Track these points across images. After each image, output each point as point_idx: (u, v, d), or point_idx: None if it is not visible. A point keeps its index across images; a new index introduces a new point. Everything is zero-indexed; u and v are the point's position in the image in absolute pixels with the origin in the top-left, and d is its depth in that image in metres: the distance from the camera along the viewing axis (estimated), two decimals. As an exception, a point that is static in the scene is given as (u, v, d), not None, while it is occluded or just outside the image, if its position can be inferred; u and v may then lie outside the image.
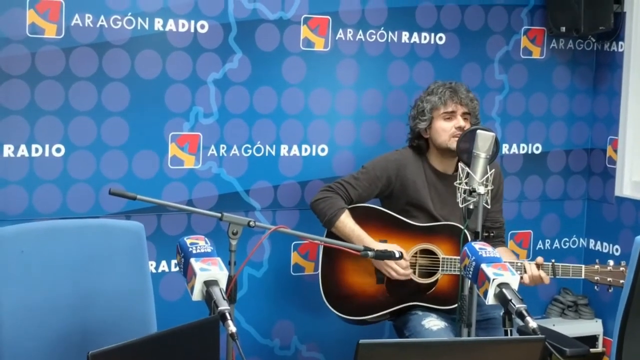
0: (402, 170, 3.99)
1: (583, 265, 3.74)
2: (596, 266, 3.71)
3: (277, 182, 4.36)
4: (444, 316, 3.87)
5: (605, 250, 4.99)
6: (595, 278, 3.70)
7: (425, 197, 3.96)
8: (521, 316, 2.61)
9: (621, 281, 3.59)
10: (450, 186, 3.77)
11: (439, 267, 3.86)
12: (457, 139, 3.85)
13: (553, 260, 3.74)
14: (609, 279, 3.67)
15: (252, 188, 4.31)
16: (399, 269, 3.83)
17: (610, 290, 3.66)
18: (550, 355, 2.91)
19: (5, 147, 3.81)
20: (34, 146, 3.86)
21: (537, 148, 4.94)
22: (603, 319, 4.98)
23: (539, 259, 3.75)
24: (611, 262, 3.70)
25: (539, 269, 3.72)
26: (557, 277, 3.75)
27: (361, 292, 3.95)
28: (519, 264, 3.74)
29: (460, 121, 3.95)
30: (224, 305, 2.49)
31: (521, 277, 3.70)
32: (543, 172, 4.97)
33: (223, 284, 2.60)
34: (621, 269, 3.66)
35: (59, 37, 3.85)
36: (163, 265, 4.15)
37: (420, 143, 4.05)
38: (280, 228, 3.26)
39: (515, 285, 2.70)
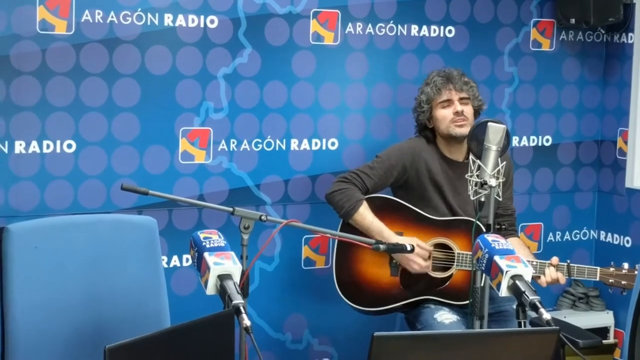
0: (416, 158, 3.99)
1: (598, 268, 3.73)
2: (611, 269, 3.71)
3: (287, 176, 4.36)
4: (457, 310, 3.87)
5: (616, 242, 4.99)
6: (610, 280, 3.70)
7: (442, 184, 3.97)
8: (535, 308, 2.62)
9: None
10: (461, 174, 3.77)
11: (454, 261, 3.86)
12: (457, 124, 3.89)
13: (568, 261, 3.74)
14: (623, 282, 3.67)
15: (263, 182, 4.31)
16: (421, 262, 3.83)
17: (623, 293, 3.66)
18: (563, 347, 2.92)
19: (17, 143, 3.81)
20: (45, 142, 3.87)
21: (547, 140, 4.94)
22: (614, 310, 4.97)
23: (555, 260, 3.74)
24: (626, 265, 3.70)
25: (555, 270, 3.72)
26: (572, 277, 3.75)
27: (375, 284, 3.95)
28: (538, 265, 3.73)
29: (457, 106, 3.97)
30: (238, 299, 2.50)
31: (538, 277, 3.70)
32: (553, 164, 4.97)
33: (237, 277, 2.61)
34: (636, 272, 3.65)
35: (69, 33, 3.86)
36: (175, 260, 4.16)
37: (427, 134, 4.06)
38: (292, 222, 3.26)
39: (528, 277, 2.71)
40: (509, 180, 4.08)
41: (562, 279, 3.74)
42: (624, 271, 3.67)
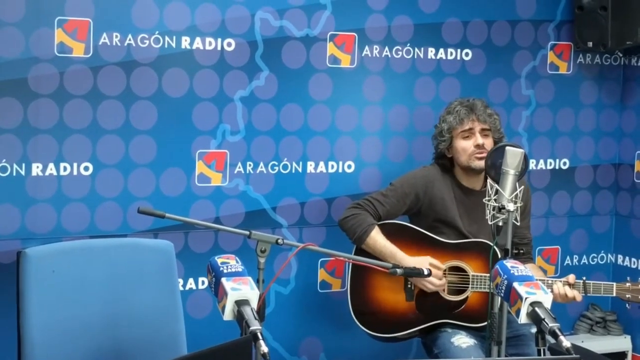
0: (430, 187, 3.98)
1: (614, 283, 3.71)
2: (627, 284, 3.69)
3: (303, 199, 4.35)
4: (474, 333, 3.85)
5: (634, 266, 4.96)
6: (627, 296, 3.68)
7: (454, 214, 3.96)
8: (554, 335, 2.60)
9: None
10: (478, 202, 3.76)
11: (468, 284, 3.85)
12: (477, 157, 3.88)
13: (584, 278, 3.72)
14: None
15: (279, 205, 4.30)
16: (435, 281, 3.82)
17: None
18: (581, 374, 2.89)
19: (34, 165, 3.82)
20: (62, 165, 3.87)
21: (565, 163, 4.92)
22: (632, 335, 4.93)
23: (571, 278, 3.73)
24: None
25: (571, 288, 3.70)
26: (588, 294, 3.73)
27: (390, 309, 3.93)
28: (549, 282, 3.72)
29: (478, 139, 3.94)
30: (255, 325, 2.49)
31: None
32: (570, 188, 4.95)
33: (254, 303, 2.60)
34: None
35: (87, 56, 3.86)
36: (190, 283, 4.15)
37: (445, 162, 4.05)
38: (308, 246, 3.25)
39: (548, 304, 2.69)
40: (527, 209, 4.06)
41: (579, 297, 3.72)
42: None
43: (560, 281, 3.73)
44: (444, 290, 3.86)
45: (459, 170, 4.02)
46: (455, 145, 3.98)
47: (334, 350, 4.49)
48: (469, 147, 3.94)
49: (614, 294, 3.70)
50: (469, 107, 3.99)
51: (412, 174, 4.08)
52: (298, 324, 4.41)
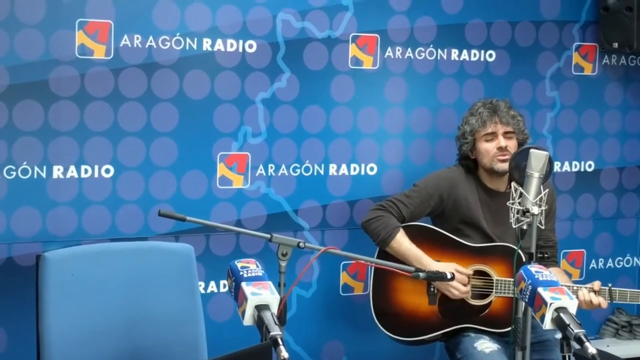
0: (454, 188, 3.94)
1: None
2: None
3: (325, 201, 4.33)
4: (497, 338, 3.81)
5: (660, 269, 4.92)
6: None
7: (479, 216, 3.91)
8: (580, 342, 2.56)
9: None
10: (503, 204, 3.71)
11: (492, 288, 3.80)
12: (500, 159, 3.84)
13: (610, 285, 3.67)
14: None
15: (301, 208, 4.28)
16: (460, 287, 3.78)
17: None
18: (607, 380, 2.85)
19: (55, 168, 3.81)
20: (83, 167, 3.86)
21: (590, 166, 4.87)
22: (659, 340, 4.89)
23: (596, 284, 3.67)
24: None
25: (596, 295, 3.65)
26: (614, 302, 3.67)
27: (413, 313, 3.90)
28: (574, 288, 3.67)
29: (501, 141, 3.89)
30: (275, 331, 2.47)
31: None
32: (596, 190, 4.90)
33: (274, 308, 2.58)
34: None
35: (108, 58, 3.85)
36: (212, 286, 4.13)
37: (469, 163, 4.01)
38: (330, 249, 3.23)
39: (573, 310, 2.65)
40: (552, 211, 4.02)
41: (604, 304, 3.67)
42: None
43: (586, 287, 3.67)
44: (468, 292, 3.82)
45: (482, 172, 3.98)
46: (478, 147, 3.94)
47: (357, 354, 4.46)
48: (492, 149, 3.89)
49: None
50: (492, 109, 3.94)
51: (436, 174, 4.03)
52: (320, 328, 4.39)
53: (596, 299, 3.66)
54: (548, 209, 3.94)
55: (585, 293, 3.66)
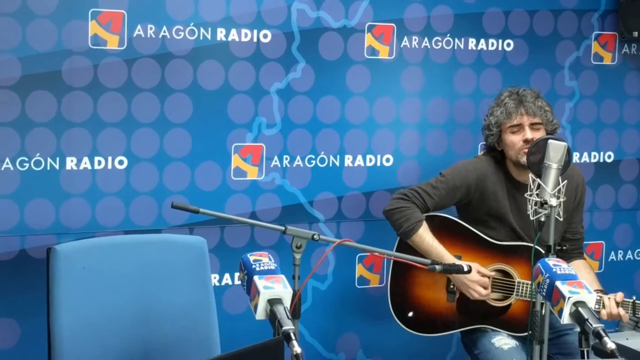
0: (482, 181, 3.86)
1: None
2: None
3: (341, 193, 4.29)
4: (514, 334, 3.76)
5: (680, 262, 4.88)
6: None
7: (505, 209, 3.83)
8: (598, 336, 2.52)
9: None
10: None
11: (513, 290, 3.74)
12: (526, 152, 3.72)
13: (634, 297, 3.60)
14: None
15: (316, 199, 4.25)
16: (480, 290, 3.71)
17: None
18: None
19: (68, 159, 3.79)
20: (96, 158, 3.85)
21: (609, 156, 4.82)
22: (678, 332, 4.84)
23: (619, 296, 3.59)
24: None
25: (618, 307, 3.58)
26: (637, 315, 3.61)
27: (430, 308, 3.86)
28: (597, 299, 3.58)
29: (527, 133, 3.77)
30: (288, 325, 2.44)
31: (598, 312, 3.57)
32: (615, 181, 4.85)
33: (287, 302, 2.55)
34: None
35: (121, 48, 3.83)
36: (226, 278, 4.11)
37: (496, 154, 3.92)
38: (345, 242, 3.20)
39: (592, 304, 2.61)
40: (581, 204, 3.95)
41: (626, 317, 3.59)
42: None
43: (608, 297, 3.60)
44: (489, 295, 3.76)
45: (510, 164, 3.88)
46: (504, 139, 3.84)
47: (372, 347, 4.44)
48: (518, 142, 3.77)
49: None
50: (518, 99, 3.83)
51: (464, 165, 3.95)
52: (335, 320, 4.36)
53: (616, 311, 3.57)
54: (578, 199, 3.90)
55: (614, 308, 3.57)
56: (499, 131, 3.84)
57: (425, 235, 3.79)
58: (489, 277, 3.75)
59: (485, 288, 3.72)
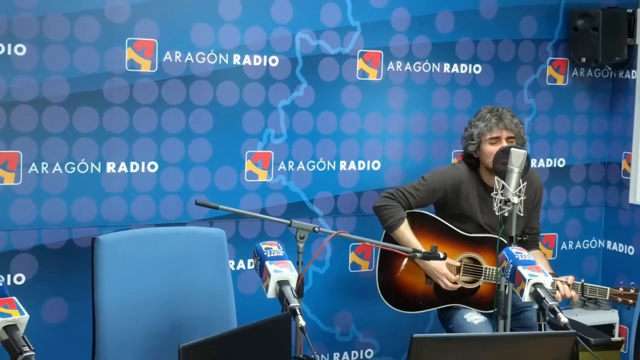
0: (457, 185, 3.86)
1: (608, 288, 3.61)
2: (620, 289, 3.58)
3: (337, 192, 4.28)
4: (483, 311, 3.77)
5: (620, 251, 4.85)
6: (618, 299, 3.57)
7: (475, 209, 3.84)
8: (553, 312, 2.54)
9: None
10: None
11: (481, 274, 3.75)
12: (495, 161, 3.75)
13: (582, 280, 3.62)
14: (630, 301, 3.55)
15: (316, 198, 4.24)
16: (447, 282, 3.74)
17: (630, 309, 3.54)
18: (576, 344, 2.81)
19: (108, 164, 3.79)
20: (132, 163, 3.84)
21: (561, 162, 4.82)
22: (619, 309, 4.82)
23: (570, 279, 3.60)
24: (632, 290, 3.57)
25: (570, 289, 3.59)
26: (585, 295, 3.61)
27: (411, 290, 3.87)
28: (552, 281, 3.58)
29: (504, 145, 3.78)
30: (294, 302, 2.47)
31: (554, 293, 3.57)
32: (566, 183, 4.84)
33: (293, 283, 2.57)
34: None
35: (152, 71, 3.83)
36: (241, 264, 4.10)
37: (472, 161, 3.92)
38: (341, 233, 3.22)
39: (548, 285, 2.62)
40: (538, 204, 3.97)
41: (576, 297, 3.61)
42: (631, 290, 3.54)
43: (561, 280, 3.60)
44: (459, 275, 3.77)
45: (483, 170, 3.89)
46: (483, 148, 3.84)
47: (363, 321, 4.43)
48: (494, 152, 3.74)
49: (607, 298, 3.60)
50: (499, 116, 3.84)
51: (443, 171, 3.95)
52: (332, 299, 4.35)
53: (569, 292, 3.59)
54: (537, 199, 3.92)
55: (566, 290, 3.58)
56: (479, 141, 3.85)
57: (405, 231, 3.80)
58: (457, 267, 3.75)
59: (452, 280, 3.74)
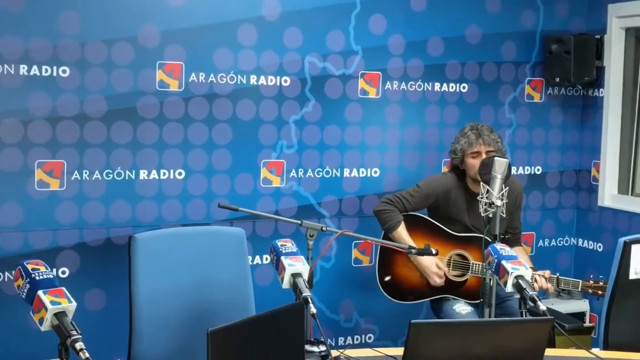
0: (447, 192, 3.87)
1: (580, 281, 3.61)
2: (590, 281, 3.58)
3: (341, 196, 4.30)
4: (471, 302, 3.77)
5: (590, 247, 4.86)
6: (589, 291, 3.58)
7: (463, 213, 3.85)
8: (533, 301, 2.54)
9: None
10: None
11: (469, 268, 3.76)
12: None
13: (557, 274, 3.62)
14: (599, 292, 3.55)
15: (323, 201, 4.26)
16: (436, 279, 3.75)
17: (599, 299, 3.54)
18: (553, 329, 2.83)
19: (141, 171, 3.82)
20: (162, 171, 3.86)
21: (538, 169, 4.83)
22: (589, 299, 4.83)
23: (547, 273, 3.61)
24: (601, 283, 3.58)
25: (547, 282, 3.60)
26: (560, 287, 3.62)
27: (407, 282, 3.87)
28: (533, 276, 3.59)
29: (483, 157, 3.80)
30: (306, 292, 2.48)
31: (533, 285, 3.57)
32: (543, 188, 4.85)
33: (305, 275, 2.57)
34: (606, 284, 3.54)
35: (180, 89, 3.85)
36: (257, 259, 4.12)
37: (459, 172, 3.94)
38: (345, 232, 3.21)
39: (528, 277, 2.62)
40: (519, 207, 3.97)
41: (551, 288, 3.61)
42: (601, 283, 3.55)
43: (538, 274, 3.60)
44: (449, 269, 3.78)
45: (469, 179, 3.88)
46: (466, 162, 3.85)
47: (364, 309, 4.44)
48: (476, 164, 3.75)
49: (579, 289, 3.60)
50: (478, 133, 3.83)
51: (435, 179, 3.96)
52: (337, 290, 4.37)
53: (545, 284, 3.60)
54: (519, 203, 3.92)
55: (543, 282, 3.58)
56: (463, 155, 3.86)
57: (402, 233, 3.81)
58: (447, 262, 3.76)
59: (440, 278, 3.75)
